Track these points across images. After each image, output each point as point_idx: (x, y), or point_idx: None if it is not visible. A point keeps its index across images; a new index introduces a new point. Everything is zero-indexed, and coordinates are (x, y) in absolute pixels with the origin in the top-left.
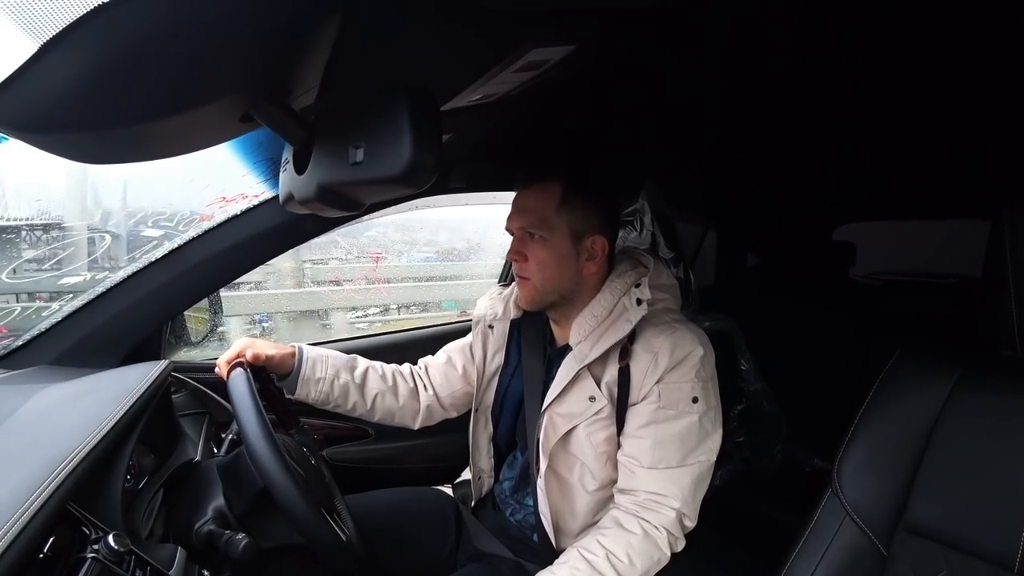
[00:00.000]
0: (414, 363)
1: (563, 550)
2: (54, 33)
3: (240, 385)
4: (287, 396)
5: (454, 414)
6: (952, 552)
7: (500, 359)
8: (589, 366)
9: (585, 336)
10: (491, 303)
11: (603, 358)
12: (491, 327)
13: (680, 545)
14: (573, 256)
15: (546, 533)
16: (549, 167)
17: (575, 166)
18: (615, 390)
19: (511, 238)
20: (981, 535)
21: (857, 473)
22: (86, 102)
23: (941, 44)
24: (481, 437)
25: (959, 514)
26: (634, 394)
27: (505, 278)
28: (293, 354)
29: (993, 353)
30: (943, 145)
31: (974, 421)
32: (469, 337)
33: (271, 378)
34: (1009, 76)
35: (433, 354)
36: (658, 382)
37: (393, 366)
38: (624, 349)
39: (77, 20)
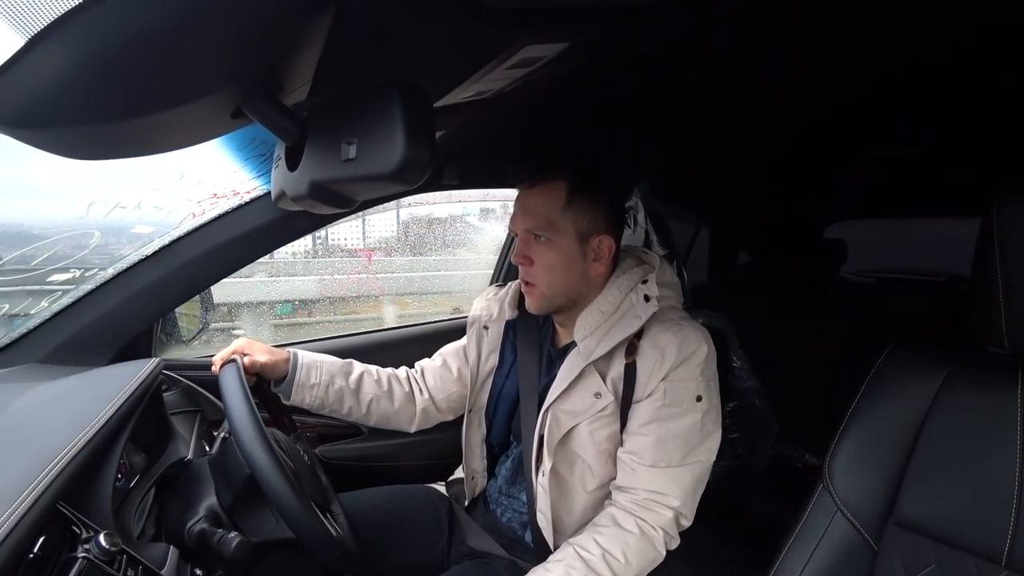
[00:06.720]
0: (407, 360)
1: (557, 547)
2: (42, 27)
3: (230, 377)
4: (283, 401)
5: (450, 417)
6: (941, 546)
7: (495, 360)
8: (595, 362)
9: (591, 332)
10: (487, 304)
11: (609, 354)
12: (486, 328)
13: (675, 544)
14: (580, 257)
15: (540, 531)
16: (553, 166)
17: (580, 165)
18: (620, 386)
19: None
20: (969, 529)
21: (848, 468)
22: (76, 97)
23: (930, 44)
24: (474, 438)
25: (948, 508)
26: (639, 391)
27: (498, 278)
28: (287, 359)
29: (982, 350)
30: (933, 144)
31: (962, 417)
32: (464, 339)
33: (266, 379)
34: (998, 75)
35: (425, 351)
36: (664, 379)
37: (389, 370)
38: (631, 345)
39: (65, 14)
